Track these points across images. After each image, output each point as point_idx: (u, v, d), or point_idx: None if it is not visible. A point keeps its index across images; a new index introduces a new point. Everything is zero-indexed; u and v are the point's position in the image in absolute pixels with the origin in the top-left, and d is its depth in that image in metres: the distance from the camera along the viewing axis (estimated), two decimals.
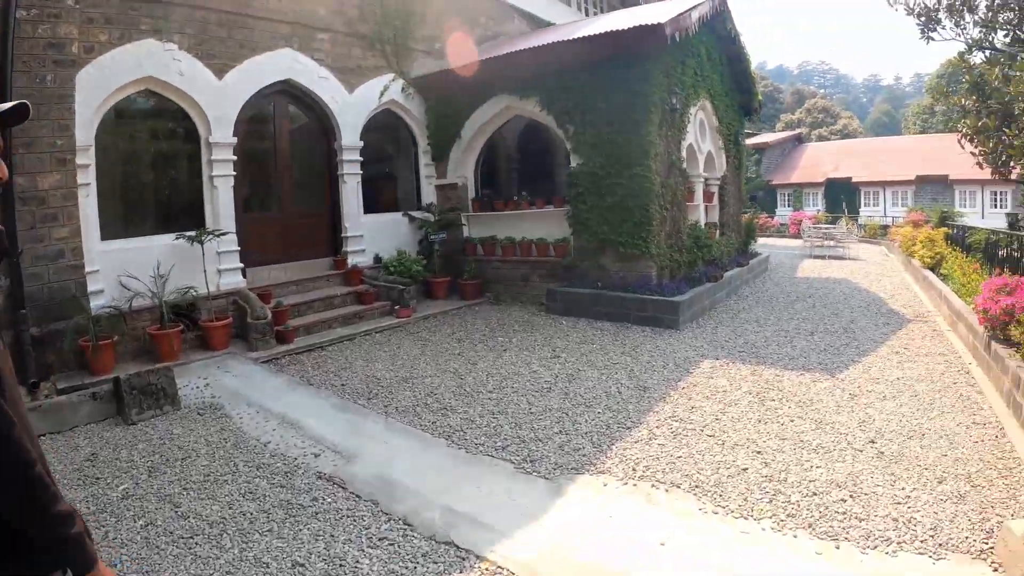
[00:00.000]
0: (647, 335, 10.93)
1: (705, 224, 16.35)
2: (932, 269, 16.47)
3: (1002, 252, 13.32)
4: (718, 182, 16.87)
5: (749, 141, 56.55)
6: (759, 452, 6.13)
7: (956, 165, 48.41)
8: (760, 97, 18.63)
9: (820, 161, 56.01)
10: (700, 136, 15.33)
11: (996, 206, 46.64)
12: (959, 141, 11.65)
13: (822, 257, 23.26)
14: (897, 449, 6.12)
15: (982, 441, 6.29)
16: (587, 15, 22.01)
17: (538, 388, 8.27)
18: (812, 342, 10.31)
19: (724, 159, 17.03)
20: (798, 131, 68.32)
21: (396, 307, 12.59)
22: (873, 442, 6.30)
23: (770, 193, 55.35)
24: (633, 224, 12.18)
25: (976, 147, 11.24)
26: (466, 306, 13.77)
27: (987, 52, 11.95)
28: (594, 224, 12.69)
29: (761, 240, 32.08)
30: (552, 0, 20.30)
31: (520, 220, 14.59)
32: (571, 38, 12.80)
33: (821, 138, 72.42)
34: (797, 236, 30.51)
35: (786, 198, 54.82)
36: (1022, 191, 12.47)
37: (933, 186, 48.35)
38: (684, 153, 13.87)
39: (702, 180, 15.57)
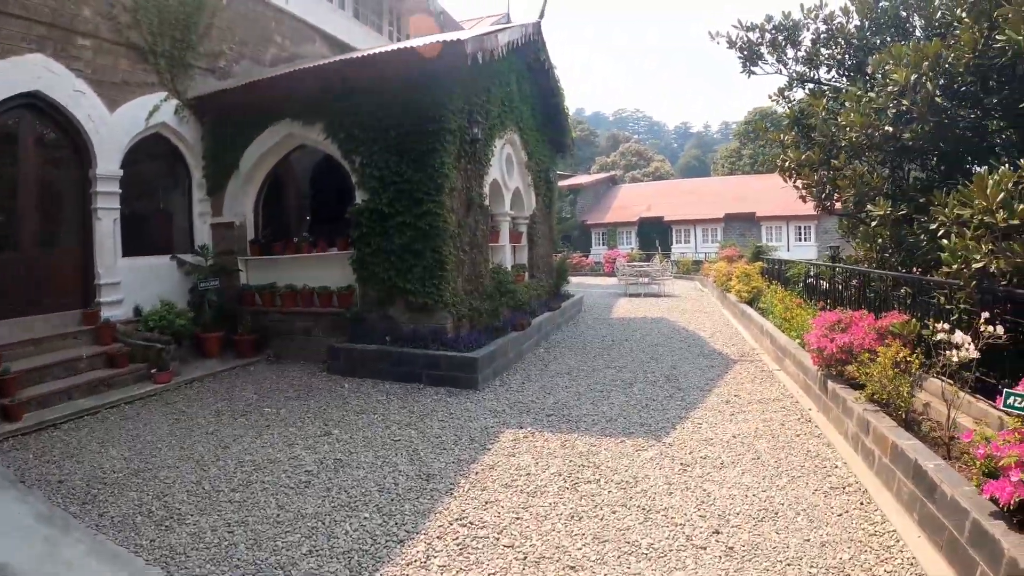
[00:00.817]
0: (440, 399, 9.40)
1: (513, 266, 15.20)
2: (750, 303, 16.18)
3: (824, 285, 13.03)
4: (527, 221, 15.81)
5: (565, 182, 57.34)
6: (573, 568, 4.65)
7: (762, 203, 51.58)
8: (574, 134, 17.90)
9: (633, 201, 57.80)
10: (507, 171, 14.19)
11: (801, 239, 49.73)
12: (781, 174, 11.08)
13: (638, 295, 22.91)
14: (748, 539, 4.91)
15: (847, 513, 5.31)
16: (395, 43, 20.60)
17: (295, 482, 6.45)
18: (631, 396, 9.18)
19: (534, 197, 16.02)
20: (612, 173, 70.51)
21: (154, 371, 10.33)
22: (718, 532, 5.05)
23: (585, 233, 56.28)
24: (424, 269, 10.68)
25: (799, 181, 10.66)
26: (240, 366, 11.68)
27: (810, 86, 11.52)
28: (380, 270, 11.07)
29: (576, 280, 31.83)
30: (358, 24, 18.64)
31: (303, 265, 12.70)
32: (361, 55, 11.27)
33: (634, 180, 75.09)
34: (612, 274, 30.30)
35: (601, 237, 55.84)
36: (846, 224, 12.05)
37: (741, 223, 50.90)
38: (487, 189, 12.63)
39: (508, 219, 14.42)
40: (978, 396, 6.48)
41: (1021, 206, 5.55)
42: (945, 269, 6.68)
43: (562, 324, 15.43)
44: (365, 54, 11.31)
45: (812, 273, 14.49)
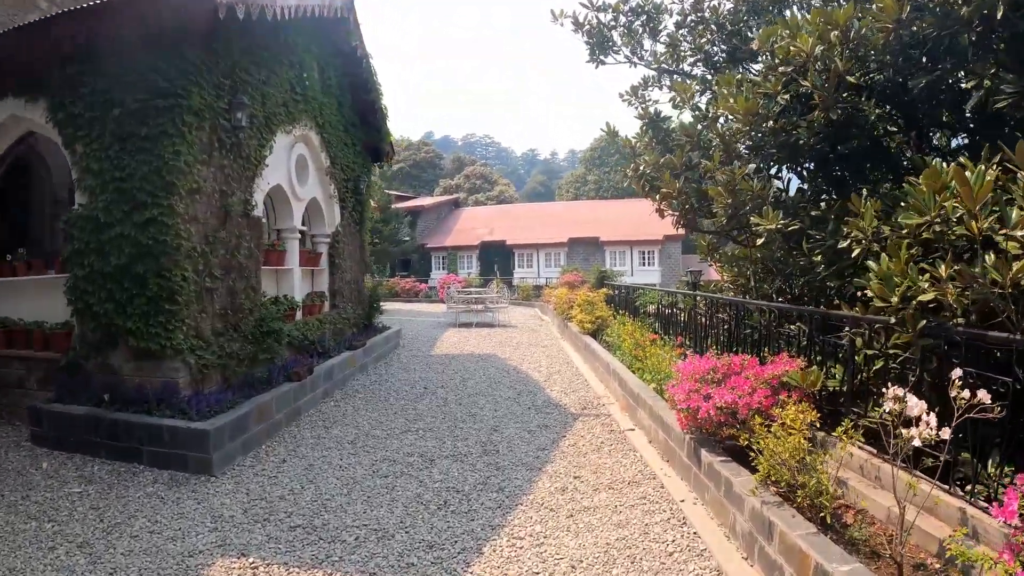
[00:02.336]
0: (156, 492, 6.41)
1: (309, 294, 12.31)
2: (594, 335, 14.12)
3: (682, 316, 11.01)
4: (327, 240, 12.93)
5: (404, 204, 54.72)
6: None
7: (606, 227, 51.01)
8: (392, 138, 15.21)
9: (476, 224, 55.92)
10: (297, 177, 11.31)
11: (645, 264, 49.56)
12: (635, 184, 8.87)
13: (469, 325, 20.39)
14: None
15: None
16: None
17: None
18: (428, 483, 6.52)
19: (338, 211, 13.18)
20: (455, 196, 68.49)
21: None
22: None
23: (425, 257, 53.87)
24: (148, 301, 7.60)
25: (655, 193, 8.39)
26: None
27: (673, 78, 9.34)
28: (96, 301, 7.87)
29: (405, 307, 29.10)
30: None
31: (19, 292, 9.34)
32: (86, 5, 8.08)
33: (478, 203, 73.41)
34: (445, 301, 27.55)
35: (441, 261, 53.60)
36: (706, 244, 10.14)
37: (585, 247, 50.13)
38: (260, 196, 9.74)
39: (298, 236, 11.50)
40: (951, 490, 4.34)
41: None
42: (878, 303, 4.55)
43: (368, 365, 12.63)
44: (91, 3, 8.13)
45: (668, 303, 12.47)
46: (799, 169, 7.79)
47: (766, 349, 7.49)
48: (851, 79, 6.15)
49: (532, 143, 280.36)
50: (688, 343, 10.47)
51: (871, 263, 4.90)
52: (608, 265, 45.05)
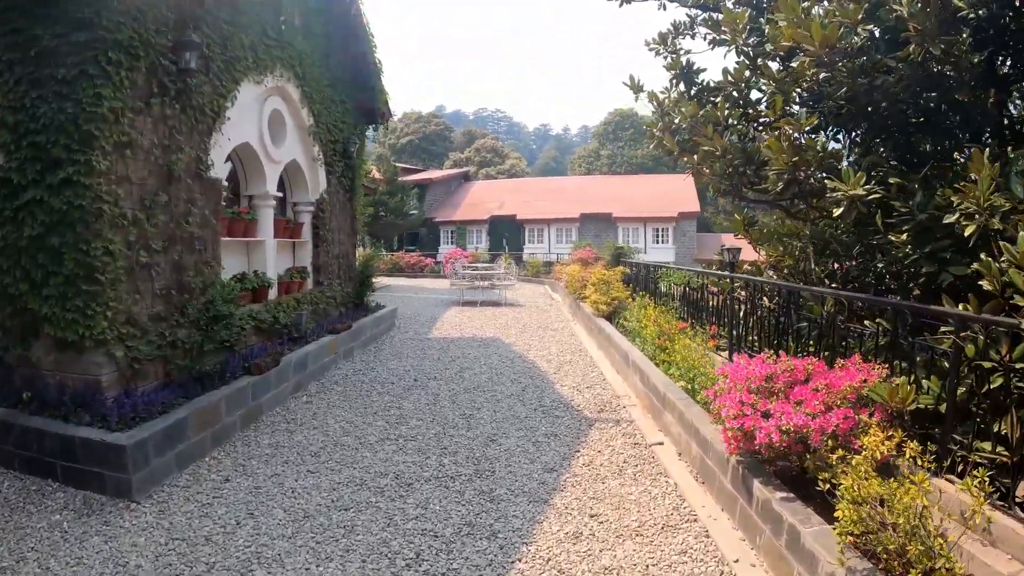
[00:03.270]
0: (64, 522, 5.06)
1: (289, 270, 10.90)
2: (609, 319, 12.81)
3: (713, 301, 9.82)
4: (311, 209, 11.49)
5: (412, 177, 53.08)
6: None
7: (619, 203, 49.45)
8: (388, 97, 13.64)
9: (486, 198, 54.33)
10: (271, 135, 9.87)
11: (658, 241, 47.97)
12: (662, 147, 7.36)
13: (473, 303, 18.92)
14: None
15: None
16: None
17: None
18: (399, 526, 5.05)
19: (323, 177, 11.73)
20: (465, 169, 66.71)
21: None
22: None
23: (434, 231, 52.40)
24: (64, 280, 6.18)
25: (690, 153, 6.87)
26: None
27: (713, 16, 7.72)
28: (11, 280, 6.46)
29: (409, 283, 27.68)
30: None
31: None
32: None
33: (488, 177, 71.73)
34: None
35: (450, 235, 52.11)
36: (743, 219, 8.69)
37: (597, 223, 48.56)
38: (220, 155, 8.30)
39: (272, 203, 10.06)
40: None
41: None
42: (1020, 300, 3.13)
43: (354, 350, 11.23)
44: None
45: (696, 284, 10.97)
46: (857, 132, 6.31)
47: (825, 350, 6.02)
48: (960, 2, 4.65)
49: (544, 118, 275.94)
50: (722, 333, 9.02)
51: (1004, 244, 3.43)
52: (621, 242, 43.53)
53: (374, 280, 14.36)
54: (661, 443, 6.57)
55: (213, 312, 7.37)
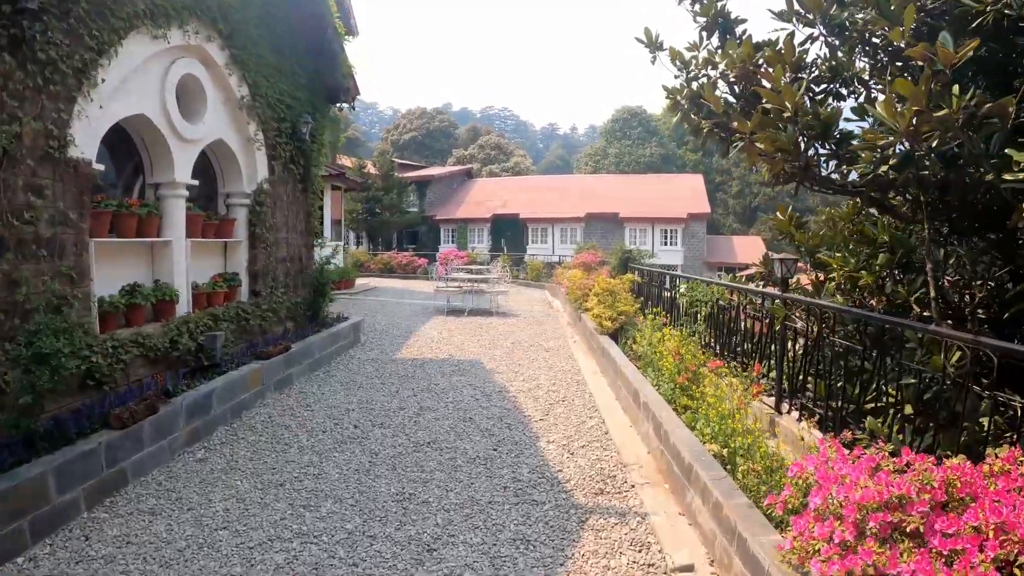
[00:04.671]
0: None
1: (222, 276, 8.78)
2: (614, 337, 10.82)
3: (756, 327, 7.59)
4: (246, 202, 9.34)
5: (412, 174, 50.95)
6: None
7: (626, 203, 47.21)
8: (353, 69, 11.45)
9: (489, 196, 52.21)
10: (182, 108, 7.76)
11: (667, 243, 45.86)
12: (682, 118, 5.31)
13: (460, 312, 16.68)
14: None
15: None
16: None
17: None
18: None
19: (264, 163, 9.59)
20: (469, 166, 64.49)
21: None
22: None
23: (434, 229, 50.31)
24: None
25: (741, 117, 4.67)
26: None
27: None
28: None
29: (398, 284, 25.34)
30: None
31: None
32: None
33: (492, 174, 69.51)
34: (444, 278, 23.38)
35: (451, 234, 50.00)
36: (790, 220, 6.62)
37: (603, 223, 46.50)
38: (92, 130, 6.16)
39: (183, 194, 7.90)
40: None
41: None
42: None
43: (295, 378, 9.06)
44: None
45: (731, 303, 8.67)
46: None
47: (944, 426, 3.82)
48: None
49: (552, 117, 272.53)
50: (768, 376, 6.80)
51: None
52: (628, 243, 41.34)
53: (364, 281, 12.28)
54: (690, 569, 4.28)
55: (37, 347, 5.13)
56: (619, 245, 26.43)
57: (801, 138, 4.24)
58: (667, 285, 12.39)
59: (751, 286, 7.90)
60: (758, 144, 4.36)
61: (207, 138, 8.34)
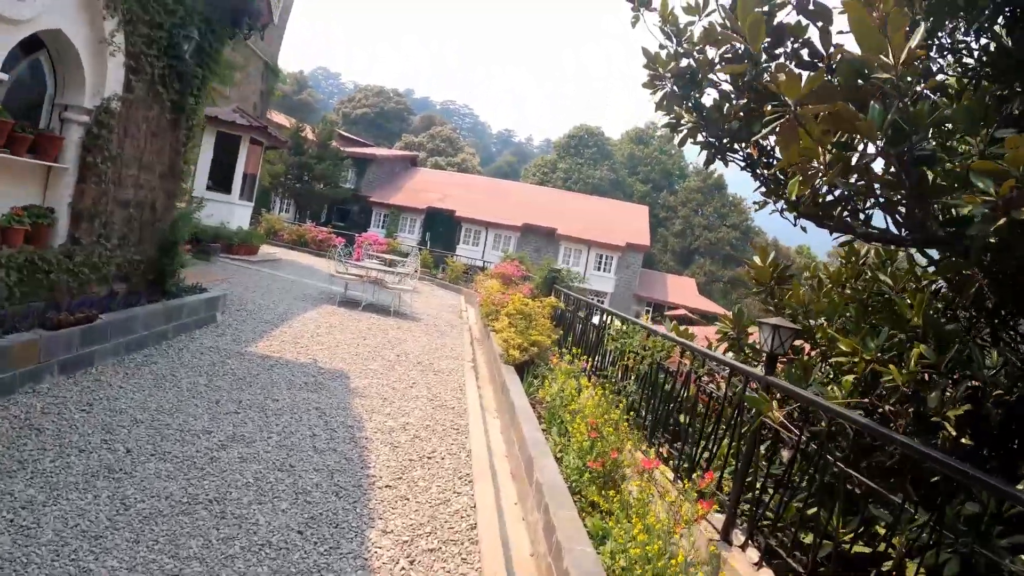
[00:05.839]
0: None
1: (24, 210, 6.63)
2: (521, 370, 9.32)
3: (733, 415, 5.22)
4: (84, 119, 7.20)
5: (354, 149, 48.42)
6: None
7: (566, 221, 45.63)
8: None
9: (428, 187, 50.16)
10: None
11: (601, 268, 44.47)
12: (667, 104, 3.59)
13: (355, 305, 14.52)
14: None
15: None
16: None
17: None
18: None
19: (120, 75, 7.46)
20: (414, 153, 62.07)
21: None
22: None
23: (366, 210, 47.86)
24: None
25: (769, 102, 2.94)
26: None
27: None
28: None
29: (303, 260, 22.85)
30: None
31: None
32: None
33: (437, 166, 67.36)
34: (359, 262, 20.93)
35: (382, 219, 47.65)
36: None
37: (539, 237, 44.94)
38: None
39: None
40: None
41: None
42: None
43: (99, 359, 6.90)
44: None
45: (684, 366, 6.67)
46: None
47: None
48: None
49: (511, 124, 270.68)
50: (723, 486, 4.97)
51: None
52: (560, 262, 39.83)
53: (272, 250, 10.05)
54: None
55: None
56: (548, 260, 24.56)
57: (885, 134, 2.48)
58: (595, 321, 10.53)
59: (717, 351, 6.08)
60: (806, 128, 2.56)
61: (38, 22, 6.18)
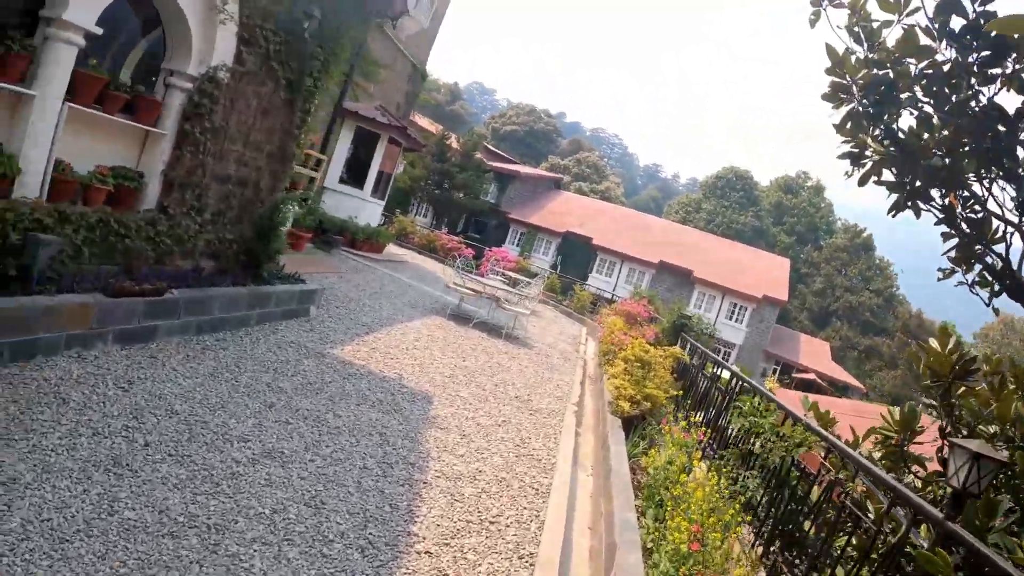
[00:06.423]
0: None
1: (110, 170, 6.41)
2: (628, 426, 8.32)
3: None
4: (188, 86, 6.95)
5: (496, 163, 48.49)
6: None
7: (703, 264, 43.80)
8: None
9: (568, 211, 49.57)
10: None
11: (733, 319, 42.37)
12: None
13: (466, 321, 13.87)
14: None
15: None
16: None
17: None
18: None
19: (231, 45, 7.17)
20: (559, 176, 61.82)
21: None
22: None
23: (503, 226, 47.80)
24: None
25: None
26: None
27: None
28: None
29: (427, 266, 22.44)
30: None
31: None
32: None
33: (580, 192, 66.73)
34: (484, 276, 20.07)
35: (518, 237, 47.37)
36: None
37: (674, 277, 43.52)
38: None
39: (72, 41, 5.51)
40: None
41: None
42: None
43: (161, 335, 6.50)
44: None
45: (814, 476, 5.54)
46: None
47: None
48: None
49: (659, 159, 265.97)
50: None
51: None
52: (693, 306, 38.14)
53: (398, 251, 9.83)
54: None
55: None
56: (678, 304, 23.08)
57: None
58: (722, 385, 9.09)
59: (862, 448, 4.85)
60: None
61: None
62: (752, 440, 6.94)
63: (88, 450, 4.24)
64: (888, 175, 3.66)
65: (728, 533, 4.77)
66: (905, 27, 3.33)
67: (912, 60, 3.37)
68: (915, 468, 4.53)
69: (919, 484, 4.42)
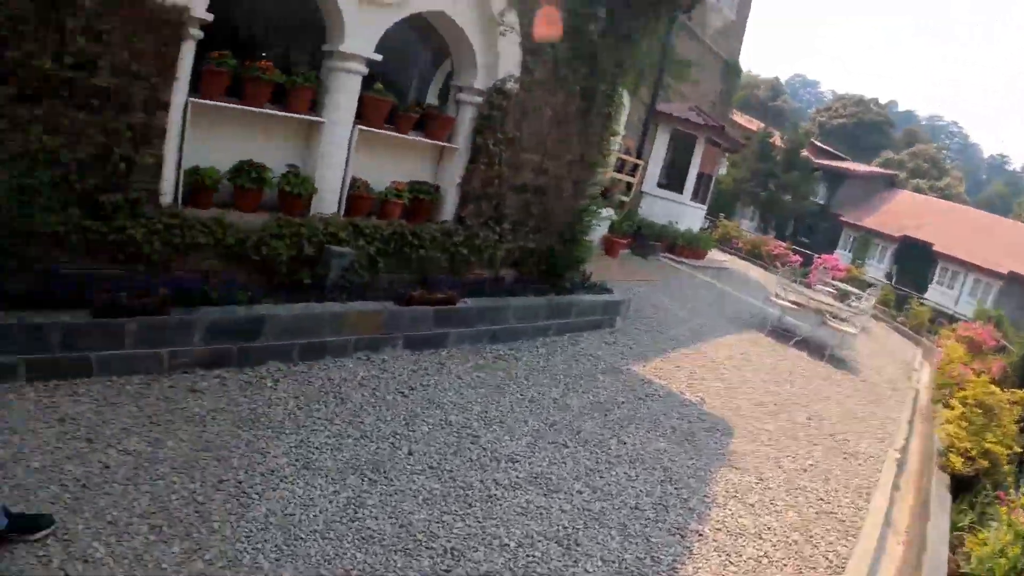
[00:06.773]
0: None
1: (406, 185, 6.74)
2: (960, 484, 6.89)
3: None
4: (476, 100, 7.08)
5: (824, 161, 45.11)
6: None
7: None
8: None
9: (905, 212, 43.98)
10: None
11: None
12: None
13: (787, 337, 12.49)
14: None
15: None
16: None
17: None
18: None
19: (516, 55, 7.17)
20: (893, 172, 56.10)
21: None
22: None
23: (834, 229, 44.05)
24: None
25: None
26: None
27: None
28: None
29: (752, 273, 21.31)
30: None
31: None
32: None
33: (917, 189, 59.83)
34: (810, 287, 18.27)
35: (850, 242, 43.49)
36: None
37: None
38: None
39: (354, 70, 5.96)
40: None
41: None
42: None
43: (452, 343, 6.54)
44: None
45: None
46: None
47: None
48: None
49: (1005, 148, 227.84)
50: None
51: None
52: None
53: (722, 257, 9.34)
54: None
55: None
56: None
57: None
58: None
59: None
60: None
61: (413, 4, 6.11)
62: None
63: (351, 452, 4.34)
64: None
65: None
66: None
67: None
68: None
69: None
